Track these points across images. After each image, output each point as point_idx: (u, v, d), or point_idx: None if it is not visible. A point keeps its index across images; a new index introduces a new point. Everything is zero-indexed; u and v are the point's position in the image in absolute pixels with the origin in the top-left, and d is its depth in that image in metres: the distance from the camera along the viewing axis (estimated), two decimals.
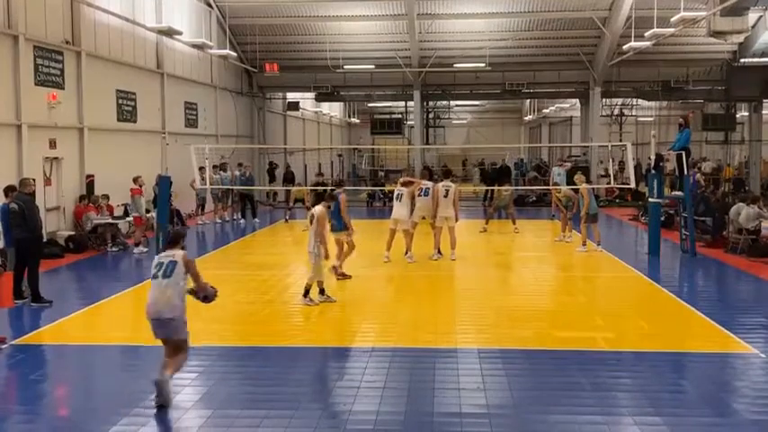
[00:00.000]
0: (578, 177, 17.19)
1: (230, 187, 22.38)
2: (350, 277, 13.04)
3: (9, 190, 11.51)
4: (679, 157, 16.12)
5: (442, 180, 15.75)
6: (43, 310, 10.80)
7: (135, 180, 17.66)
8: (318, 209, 11.27)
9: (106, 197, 17.58)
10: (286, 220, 22.47)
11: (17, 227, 10.98)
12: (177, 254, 7.15)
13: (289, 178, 28.12)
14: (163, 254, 7.29)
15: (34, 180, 15.22)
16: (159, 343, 7.26)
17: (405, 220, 14.89)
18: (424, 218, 15.46)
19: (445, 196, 14.99)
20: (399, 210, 14.90)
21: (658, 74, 29.68)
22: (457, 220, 15.26)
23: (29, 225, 11.00)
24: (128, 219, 17.61)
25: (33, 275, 11.08)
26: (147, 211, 18.77)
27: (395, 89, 32.27)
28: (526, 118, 51.70)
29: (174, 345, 7.12)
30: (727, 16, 18.68)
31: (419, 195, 15.20)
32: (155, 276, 7.09)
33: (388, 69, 29.82)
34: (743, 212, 15.84)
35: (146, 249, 16.39)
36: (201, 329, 9.96)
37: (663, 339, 9.35)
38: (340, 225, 12.87)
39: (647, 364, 8.33)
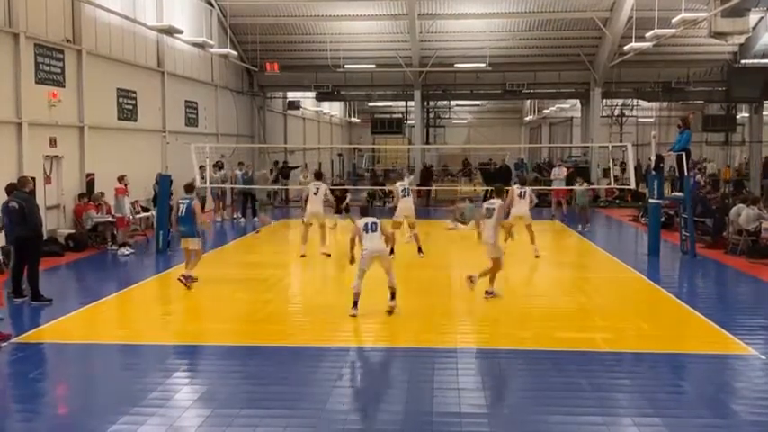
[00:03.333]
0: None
1: (232, 186, 22.37)
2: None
3: (10, 188, 11.51)
4: (679, 159, 16.12)
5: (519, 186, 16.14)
6: (43, 308, 10.80)
7: (120, 179, 17.15)
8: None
9: (102, 194, 17.49)
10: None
11: (17, 225, 10.97)
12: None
13: (286, 174, 28.01)
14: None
15: (34, 178, 15.25)
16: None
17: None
18: (407, 217, 15.58)
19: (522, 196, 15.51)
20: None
21: (659, 75, 29.69)
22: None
23: (29, 223, 10.99)
24: (110, 218, 16.94)
25: (33, 274, 11.07)
26: (146, 209, 18.78)
27: (395, 89, 32.28)
28: (526, 118, 51.70)
29: None
30: (728, 17, 18.71)
31: (403, 196, 15.42)
32: None
33: (388, 69, 29.82)
34: (743, 214, 15.83)
35: (129, 252, 15.96)
36: (201, 328, 10.00)
37: (662, 340, 9.35)
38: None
39: (646, 365, 8.33)
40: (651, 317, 10.55)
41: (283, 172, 28.75)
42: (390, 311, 10.18)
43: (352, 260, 10.54)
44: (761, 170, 31.84)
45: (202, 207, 22.17)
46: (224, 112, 27.74)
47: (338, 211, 19.05)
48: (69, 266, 14.86)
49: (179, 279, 11.88)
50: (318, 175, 16.95)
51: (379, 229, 10.24)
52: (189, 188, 12.75)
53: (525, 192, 15.63)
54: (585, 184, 19.99)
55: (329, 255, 15.18)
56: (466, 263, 15.05)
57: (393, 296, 10.24)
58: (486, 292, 11.36)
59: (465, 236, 17.99)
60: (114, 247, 16.37)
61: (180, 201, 12.19)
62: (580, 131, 33.82)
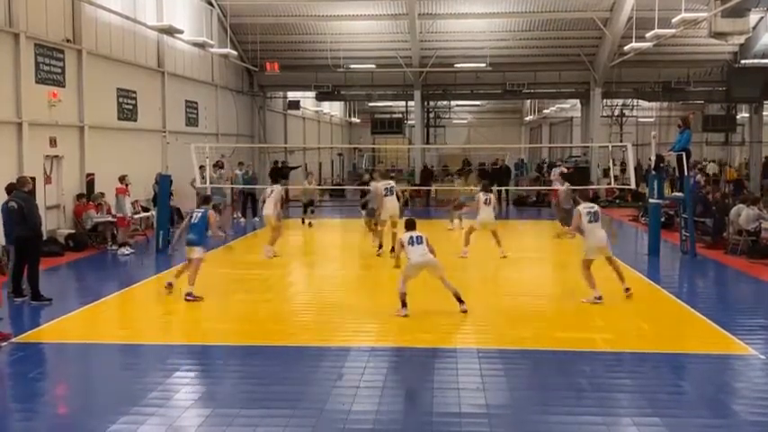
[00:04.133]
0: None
1: (232, 186, 22.38)
2: None
3: (9, 188, 11.51)
4: (679, 159, 16.11)
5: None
6: (43, 308, 10.80)
7: (121, 179, 17.25)
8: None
9: (102, 194, 17.50)
10: (308, 223, 21.73)
11: (17, 225, 10.97)
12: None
13: (285, 174, 27.96)
14: None
15: (34, 178, 15.24)
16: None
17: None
18: (391, 216, 15.60)
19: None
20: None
21: (659, 75, 29.71)
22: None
23: (28, 223, 10.99)
24: (110, 218, 16.96)
25: (33, 274, 11.07)
26: (146, 209, 18.78)
27: (395, 89, 32.29)
28: (527, 118, 51.69)
29: None
30: (729, 17, 18.70)
31: (386, 195, 15.50)
32: None
33: (388, 69, 29.83)
34: (743, 214, 15.83)
35: (129, 252, 15.99)
36: (201, 328, 9.99)
37: (662, 340, 9.35)
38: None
39: (646, 365, 8.32)
40: (651, 317, 10.54)
41: (282, 172, 28.78)
42: (465, 311, 10.32)
43: (397, 265, 11.19)
44: (761, 170, 31.86)
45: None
46: (224, 112, 27.74)
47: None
48: (69, 266, 14.86)
49: (186, 299, 11.23)
50: (387, 175, 16.88)
51: (424, 242, 10.39)
52: (206, 200, 12.53)
53: (490, 198, 15.68)
54: (567, 183, 19.85)
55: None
56: (465, 262, 15.07)
57: (460, 300, 10.37)
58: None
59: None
60: (114, 247, 16.37)
61: (195, 210, 12.10)
62: (580, 131, 33.82)
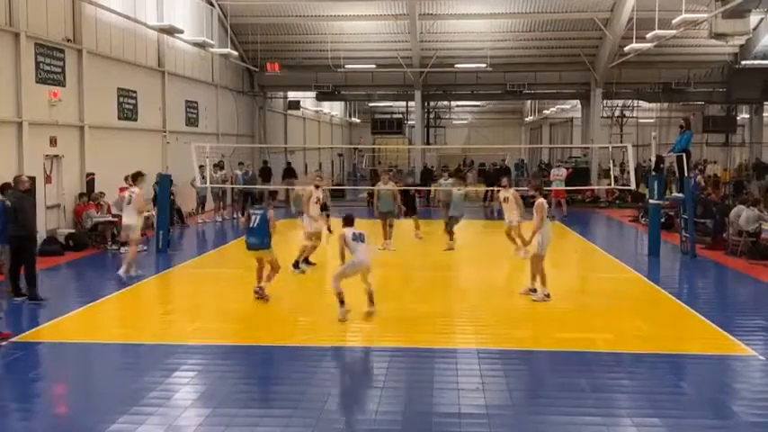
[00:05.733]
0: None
1: (232, 186, 22.38)
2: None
3: (6, 187, 11.50)
4: (679, 159, 16.11)
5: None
6: (42, 307, 10.79)
7: (126, 179, 17.34)
8: None
9: (102, 194, 17.49)
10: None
11: (10, 224, 10.98)
12: None
13: (291, 175, 28.08)
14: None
15: (33, 177, 15.22)
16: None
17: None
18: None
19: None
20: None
21: (659, 75, 29.70)
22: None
23: (20, 223, 10.96)
24: (110, 218, 16.99)
25: (30, 274, 11.04)
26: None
27: (396, 89, 32.29)
28: (527, 119, 51.72)
29: None
30: (729, 18, 18.67)
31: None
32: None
33: (389, 69, 29.83)
34: (743, 214, 15.83)
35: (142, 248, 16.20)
36: (201, 328, 9.98)
37: (662, 341, 9.34)
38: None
39: (646, 366, 8.33)
40: (651, 317, 10.54)
41: (288, 172, 29.05)
42: (371, 314, 9.98)
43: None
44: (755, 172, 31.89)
45: (202, 206, 22.43)
46: (224, 112, 27.73)
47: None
48: (69, 266, 14.84)
49: (255, 291, 11.26)
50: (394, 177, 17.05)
51: (366, 239, 10.11)
52: (260, 198, 12.22)
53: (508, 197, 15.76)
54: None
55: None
56: (466, 263, 15.09)
57: (371, 301, 10.05)
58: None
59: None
60: (115, 247, 16.40)
61: (252, 211, 11.45)
62: (580, 132, 33.82)
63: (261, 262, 11.34)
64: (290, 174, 28.74)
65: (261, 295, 11.20)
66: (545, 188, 15.33)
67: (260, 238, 11.13)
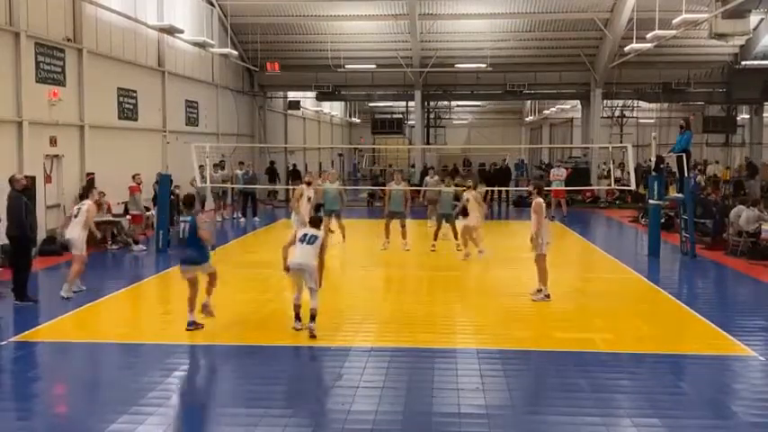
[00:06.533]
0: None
1: (232, 186, 22.38)
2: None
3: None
4: (679, 160, 16.11)
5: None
6: (27, 309, 10.75)
7: (134, 177, 17.74)
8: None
9: (102, 194, 17.50)
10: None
11: (7, 224, 11.00)
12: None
13: (296, 177, 28.27)
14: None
15: (34, 177, 15.24)
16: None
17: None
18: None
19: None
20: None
21: (659, 76, 29.69)
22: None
23: (14, 222, 10.94)
24: (127, 216, 17.58)
25: (21, 273, 10.97)
26: (147, 209, 18.78)
27: (396, 89, 32.29)
28: (527, 119, 51.71)
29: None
30: (729, 19, 18.69)
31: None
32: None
33: (389, 69, 29.83)
34: (743, 215, 15.83)
35: (143, 248, 16.42)
36: (201, 328, 9.97)
37: (662, 341, 9.35)
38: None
39: (645, 366, 8.33)
40: (651, 318, 10.55)
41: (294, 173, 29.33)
42: (310, 334, 9.10)
43: (287, 269, 9.36)
44: (746, 172, 31.87)
45: (202, 206, 22.42)
46: (224, 112, 27.74)
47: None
48: (69, 265, 14.80)
49: (203, 313, 9.61)
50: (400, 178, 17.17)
51: (318, 242, 9.24)
52: (189, 202, 9.90)
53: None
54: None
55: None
56: (466, 263, 15.07)
57: (313, 318, 9.12)
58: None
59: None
60: (115, 247, 16.48)
61: (181, 219, 9.70)
62: (581, 132, 33.82)
63: (194, 283, 9.41)
64: (295, 175, 29.00)
65: (209, 312, 9.54)
66: (547, 188, 15.32)
67: (197, 251, 9.37)
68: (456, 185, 17.87)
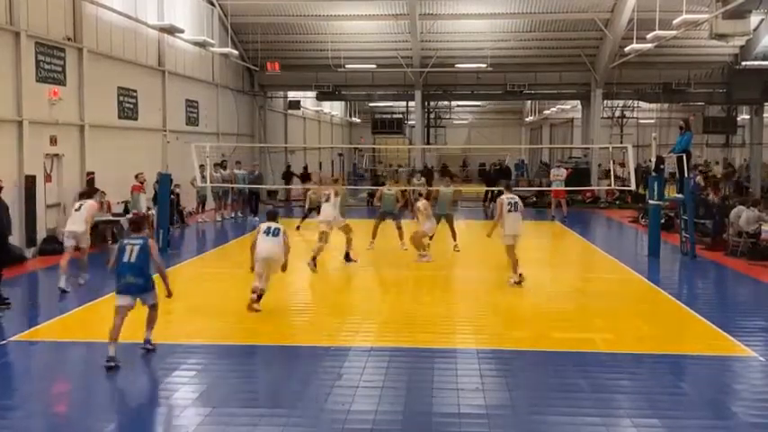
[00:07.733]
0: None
1: (234, 185, 22.41)
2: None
3: None
4: (680, 160, 16.11)
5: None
6: (35, 309, 10.73)
7: (136, 177, 17.74)
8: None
9: (103, 193, 17.52)
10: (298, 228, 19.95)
11: None
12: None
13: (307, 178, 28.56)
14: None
15: (34, 176, 15.25)
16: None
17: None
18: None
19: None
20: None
21: (660, 76, 29.68)
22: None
23: None
24: (128, 216, 17.55)
25: None
26: (148, 208, 18.78)
27: (396, 89, 32.29)
28: (527, 119, 51.71)
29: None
30: (730, 19, 18.69)
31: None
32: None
33: (389, 69, 29.83)
34: (743, 215, 15.83)
35: None
36: (200, 327, 9.98)
37: (662, 341, 9.35)
38: None
39: (645, 367, 8.33)
40: (651, 318, 10.55)
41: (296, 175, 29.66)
42: (253, 308, 10.32)
43: (252, 267, 10.53)
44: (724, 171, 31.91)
45: (202, 205, 22.43)
46: (225, 112, 27.74)
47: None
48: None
49: (145, 347, 8.68)
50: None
51: (281, 235, 10.37)
52: (138, 223, 8.95)
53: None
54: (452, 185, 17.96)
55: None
56: (465, 263, 15.08)
57: (259, 297, 10.39)
58: None
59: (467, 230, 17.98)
60: (115, 246, 16.43)
61: (127, 241, 8.47)
62: (581, 132, 33.82)
63: (125, 315, 8.30)
64: (306, 177, 29.28)
65: (151, 347, 8.62)
66: (545, 188, 15.32)
67: (141, 278, 8.31)
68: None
